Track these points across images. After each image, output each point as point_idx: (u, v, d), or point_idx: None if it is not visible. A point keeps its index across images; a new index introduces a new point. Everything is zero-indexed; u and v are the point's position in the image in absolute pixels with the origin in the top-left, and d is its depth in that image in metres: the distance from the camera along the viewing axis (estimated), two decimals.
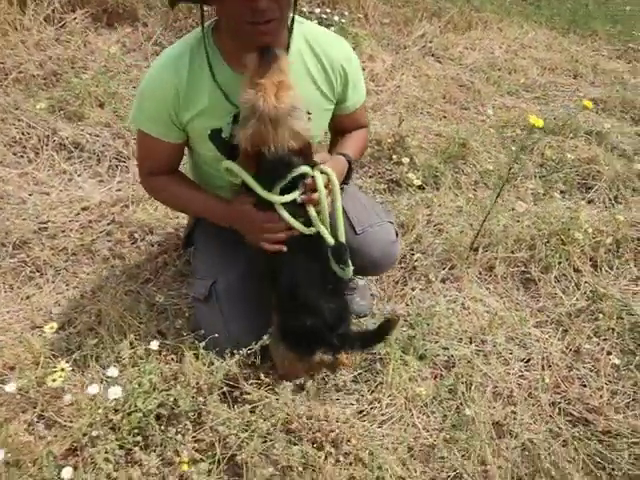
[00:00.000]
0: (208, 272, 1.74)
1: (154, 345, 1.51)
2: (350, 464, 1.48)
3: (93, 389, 1.35)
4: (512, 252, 2.28)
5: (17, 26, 3.13)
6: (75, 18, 3.37)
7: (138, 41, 3.44)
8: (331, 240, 1.48)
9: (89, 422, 1.41)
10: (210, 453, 1.45)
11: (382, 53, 3.72)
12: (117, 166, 2.58)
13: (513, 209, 2.50)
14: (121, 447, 1.42)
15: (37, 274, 2.02)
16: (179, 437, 1.44)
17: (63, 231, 2.15)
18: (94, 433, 1.40)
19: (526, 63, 3.91)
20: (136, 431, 1.45)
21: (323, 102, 1.58)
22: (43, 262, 2.03)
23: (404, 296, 2.12)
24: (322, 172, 1.45)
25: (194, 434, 1.47)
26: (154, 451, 1.43)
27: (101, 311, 1.84)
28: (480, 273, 2.25)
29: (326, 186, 1.44)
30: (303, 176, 1.43)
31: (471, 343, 1.94)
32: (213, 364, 1.58)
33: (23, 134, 2.62)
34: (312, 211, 1.44)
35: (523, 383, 1.84)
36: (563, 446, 1.66)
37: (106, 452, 1.39)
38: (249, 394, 1.57)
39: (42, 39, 3.13)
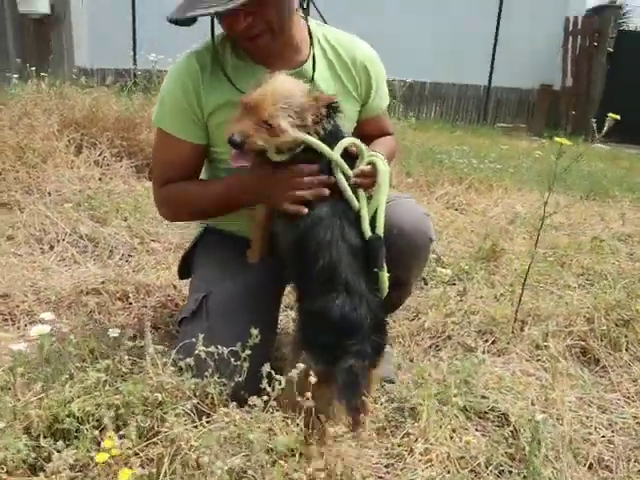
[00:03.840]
0: (202, 286, 1.50)
1: (114, 333, 1.19)
2: None
3: (19, 345, 1.01)
4: (565, 327, 1.90)
5: (70, 166, 3.44)
6: (121, 166, 3.70)
7: None
8: (368, 232, 1.29)
9: None
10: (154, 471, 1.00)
11: None
12: (130, 256, 2.48)
13: (560, 296, 2.18)
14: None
15: (10, 322, 1.77)
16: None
17: (53, 287, 1.95)
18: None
19: (551, 213, 3.91)
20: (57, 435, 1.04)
21: (349, 100, 1.55)
22: (21, 311, 1.80)
23: (437, 365, 1.71)
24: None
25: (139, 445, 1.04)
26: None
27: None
28: (530, 351, 1.84)
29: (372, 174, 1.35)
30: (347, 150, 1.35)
31: (532, 404, 1.47)
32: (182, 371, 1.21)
33: (45, 230, 2.62)
34: (362, 194, 1.33)
35: (617, 449, 1.31)
36: None
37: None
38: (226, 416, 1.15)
39: (86, 175, 3.40)
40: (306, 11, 1.53)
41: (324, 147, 1.30)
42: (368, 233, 1.29)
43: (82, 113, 3.75)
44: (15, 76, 3.92)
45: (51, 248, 2.55)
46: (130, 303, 1.94)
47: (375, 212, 1.32)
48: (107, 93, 4.09)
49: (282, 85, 1.31)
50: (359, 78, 1.55)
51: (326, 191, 1.29)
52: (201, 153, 1.53)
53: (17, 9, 9.13)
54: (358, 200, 1.32)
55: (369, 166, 1.35)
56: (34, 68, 3.94)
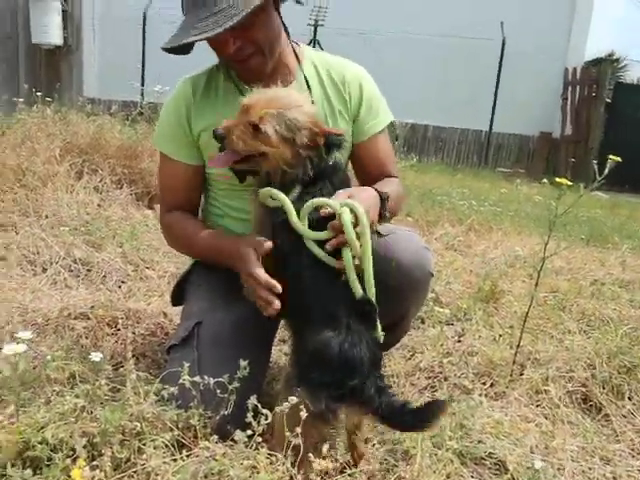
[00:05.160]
0: (194, 314, 1.46)
1: (95, 357, 1.13)
2: None
3: None
4: (565, 372, 1.84)
5: (70, 190, 3.43)
6: (121, 193, 3.69)
7: None
8: (359, 291, 1.23)
9: None
10: None
11: None
12: (122, 282, 2.44)
13: (560, 341, 2.13)
14: None
15: None
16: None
17: (40, 309, 1.90)
18: None
19: (552, 259, 3.89)
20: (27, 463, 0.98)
21: (339, 120, 1.53)
22: (5, 332, 1.74)
23: None
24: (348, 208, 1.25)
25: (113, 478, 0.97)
26: None
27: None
28: (529, 396, 1.78)
29: (355, 225, 1.24)
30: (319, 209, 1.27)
31: (531, 452, 1.40)
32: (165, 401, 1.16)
33: (39, 253, 2.59)
34: (347, 254, 1.23)
35: None
36: None
37: None
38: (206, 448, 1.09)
39: (85, 200, 3.38)
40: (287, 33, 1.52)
41: (293, 216, 1.25)
42: (359, 292, 1.22)
43: (85, 139, 3.77)
44: (21, 100, 3.95)
45: (43, 270, 2.51)
46: (118, 329, 1.88)
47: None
48: (111, 121, 4.13)
49: (283, 94, 1.30)
50: (349, 96, 1.53)
51: (270, 311, 1.26)
52: (198, 174, 1.55)
53: (30, 39, 9.38)
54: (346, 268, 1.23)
55: (336, 221, 1.23)
56: (40, 93, 3.99)
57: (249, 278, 1.29)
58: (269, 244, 1.29)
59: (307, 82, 1.50)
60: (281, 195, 1.26)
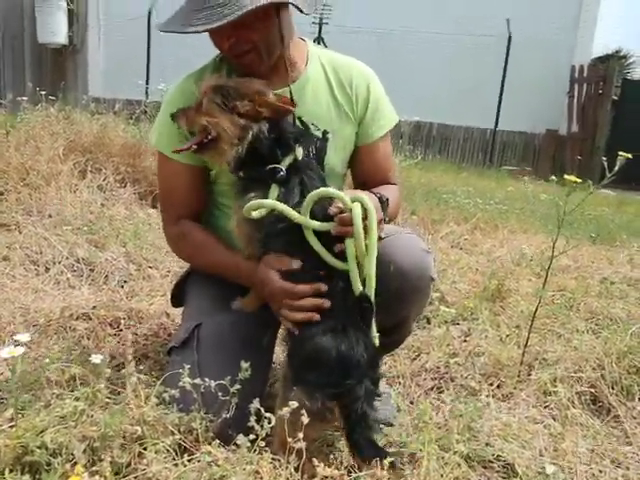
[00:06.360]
0: (194, 315, 1.44)
1: (96, 359, 1.11)
2: None
3: None
4: (574, 372, 1.81)
5: (74, 190, 3.42)
6: (125, 192, 3.68)
7: None
8: (358, 287, 1.21)
9: None
10: None
11: None
12: (125, 282, 2.42)
13: (568, 340, 2.10)
14: None
15: None
16: None
17: (42, 309, 1.88)
18: None
19: (560, 257, 3.84)
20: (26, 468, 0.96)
21: (344, 121, 1.49)
22: (6, 332, 1.73)
23: (439, 408, 1.62)
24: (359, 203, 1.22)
25: None
26: None
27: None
28: (537, 397, 1.75)
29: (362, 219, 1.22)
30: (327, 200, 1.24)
31: (540, 454, 1.37)
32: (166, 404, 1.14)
33: (42, 252, 2.57)
34: (350, 246, 1.21)
35: None
36: None
37: None
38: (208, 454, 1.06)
39: (88, 199, 3.37)
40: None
41: (290, 211, 1.23)
42: (358, 289, 1.21)
43: (89, 138, 3.76)
44: (25, 99, 3.94)
45: (46, 270, 2.50)
46: (120, 330, 1.87)
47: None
48: (115, 120, 4.12)
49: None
50: (355, 97, 1.50)
51: (316, 316, 1.22)
52: (200, 176, 1.50)
53: (37, 39, 9.41)
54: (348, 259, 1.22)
55: (346, 214, 1.21)
56: (44, 92, 3.98)
57: (286, 298, 1.26)
58: (298, 263, 1.26)
59: (313, 80, 1.47)
60: (267, 202, 1.24)
